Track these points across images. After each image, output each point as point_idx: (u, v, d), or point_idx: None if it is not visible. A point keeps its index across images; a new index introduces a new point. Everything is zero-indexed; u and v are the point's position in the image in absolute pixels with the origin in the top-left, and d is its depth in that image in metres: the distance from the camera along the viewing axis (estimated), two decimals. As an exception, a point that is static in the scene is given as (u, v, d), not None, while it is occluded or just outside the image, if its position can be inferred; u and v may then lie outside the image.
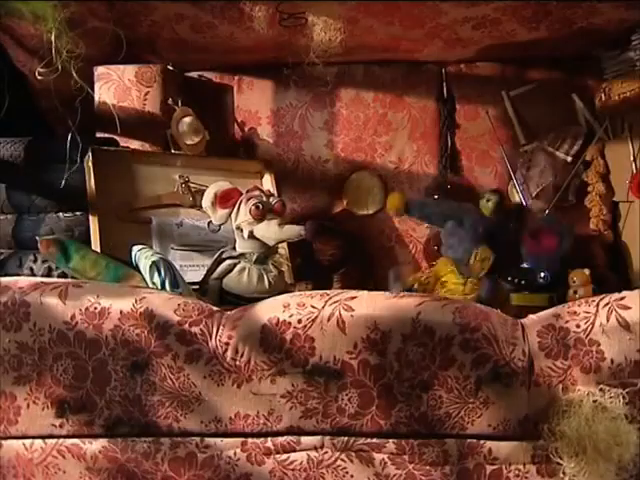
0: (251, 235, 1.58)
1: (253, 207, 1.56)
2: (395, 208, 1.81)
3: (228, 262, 1.58)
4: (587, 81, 2.06)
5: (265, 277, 1.58)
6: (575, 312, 1.13)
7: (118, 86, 1.96)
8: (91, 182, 1.64)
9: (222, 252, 1.61)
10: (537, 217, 1.62)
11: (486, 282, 1.68)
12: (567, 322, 1.12)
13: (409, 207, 1.76)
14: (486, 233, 1.66)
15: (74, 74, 1.47)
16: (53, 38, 1.44)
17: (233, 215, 1.59)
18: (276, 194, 1.90)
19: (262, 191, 1.63)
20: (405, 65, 2.13)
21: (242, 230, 1.58)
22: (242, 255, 1.59)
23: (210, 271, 1.59)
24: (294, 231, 1.59)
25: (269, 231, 1.57)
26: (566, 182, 1.95)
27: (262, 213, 1.56)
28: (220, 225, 1.73)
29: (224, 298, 1.55)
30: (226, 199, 1.60)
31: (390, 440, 1.13)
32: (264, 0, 1.70)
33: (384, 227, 2.12)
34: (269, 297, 1.24)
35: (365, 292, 1.18)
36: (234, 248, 1.62)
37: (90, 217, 1.64)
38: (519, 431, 1.12)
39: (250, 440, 1.15)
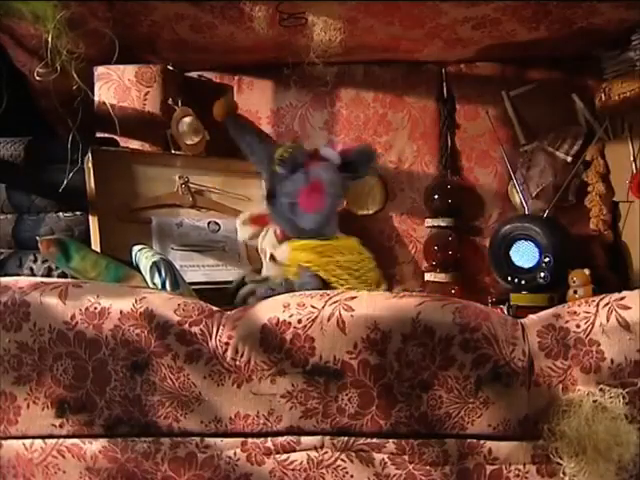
0: (272, 258, 1.59)
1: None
2: (221, 112, 1.79)
3: (250, 286, 1.58)
4: (587, 81, 2.05)
5: None
6: (575, 312, 1.13)
7: (118, 86, 1.96)
8: (91, 182, 1.65)
9: (244, 276, 1.61)
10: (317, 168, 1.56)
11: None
12: (567, 322, 1.12)
13: (231, 120, 1.75)
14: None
15: (74, 74, 1.47)
16: (52, 38, 1.44)
17: (260, 237, 1.61)
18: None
19: None
20: (405, 65, 2.13)
21: (265, 253, 1.60)
22: (265, 280, 1.59)
23: (231, 295, 1.58)
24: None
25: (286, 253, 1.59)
26: (566, 182, 1.94)
27: (283, 235, 1.59)
28: (219, 227, 1.75)
29: None
30: (259, 221, 1.62)
31: (390, 440, 1.13)
32: (264, 0, 1.70)
33: (384, 227, 2.12)
34: None
35: (365, 292, 1.18)
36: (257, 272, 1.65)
37: (90, 217, 1.64)
38: (519, 431, 1.12)
39: (250, 440, 1.15)
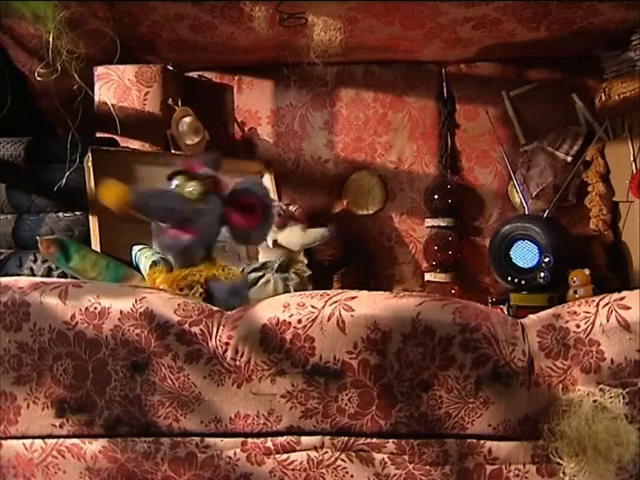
0: (275, 244, 1.60)
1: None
2: (115, 203, 1.35)
3: (252, 275, 1.59)
4: (587, 81, 2.06)
5: (289, 286, 1.62)
6: (575, 312, 1.13)
7: (118, 86, 1.96)
8: (91, 182, 1.64)
9: (243, 268, 1.62)
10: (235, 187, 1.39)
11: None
12: (567, 322, 1.12)
13: (133, 201, 1.33)
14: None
15: (74, 74, 1.47)
16: (53, 38, 1.44)
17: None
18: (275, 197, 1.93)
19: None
20: (405, 65, 2.13)
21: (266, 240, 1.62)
22: (264, 266, 1.61)
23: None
24: (319, 234, 1.66)
25: (293, 237, 1.60)
26: (566, 182, 1.95)
27: (283, 221, 1.59)
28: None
29: None
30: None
31: (390, 440, 1.13)
32: (264, 0, 1.70)
33: (384, 227, 2.13)
34: None
35: (365, 292, 1.18)
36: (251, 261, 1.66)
37: (90, 217, 1.64)
38: (519, 431, 1.12)
39: (250, 440, 1.15)
